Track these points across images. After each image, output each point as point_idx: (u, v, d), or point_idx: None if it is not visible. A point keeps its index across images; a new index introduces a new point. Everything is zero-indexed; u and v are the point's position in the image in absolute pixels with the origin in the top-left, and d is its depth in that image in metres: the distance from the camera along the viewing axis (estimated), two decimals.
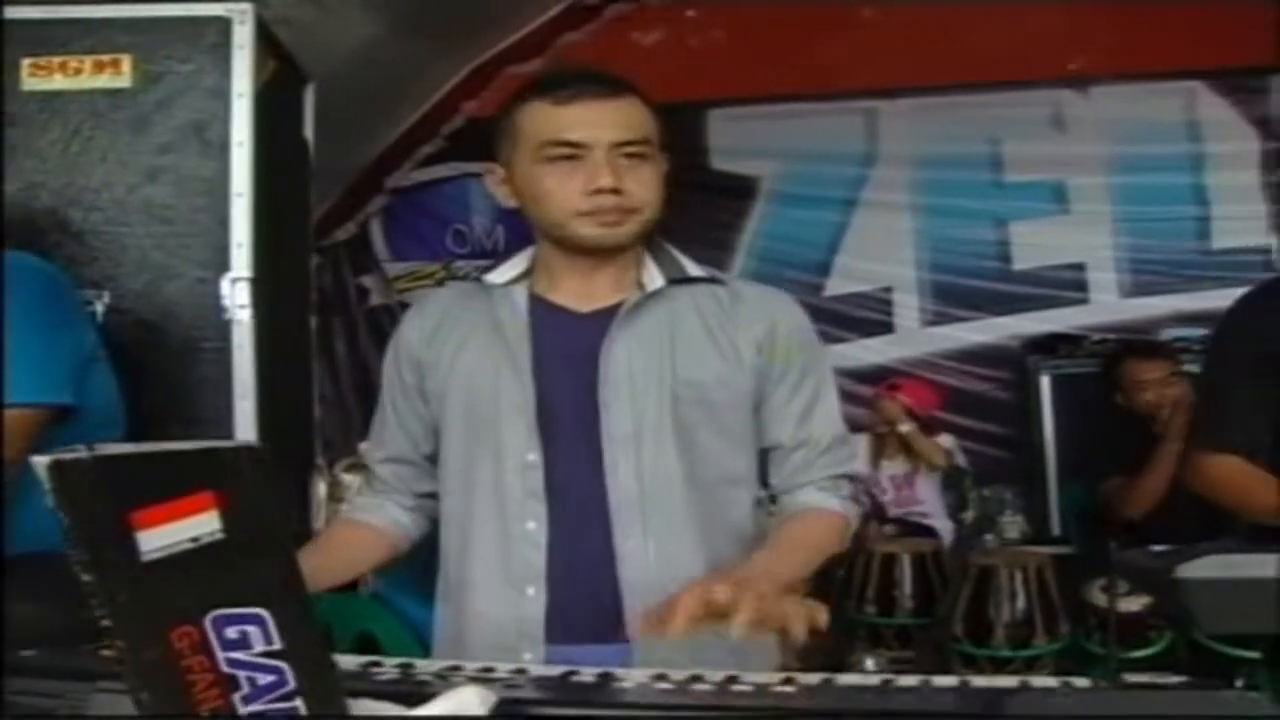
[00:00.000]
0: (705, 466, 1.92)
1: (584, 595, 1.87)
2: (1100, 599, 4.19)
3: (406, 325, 2.06)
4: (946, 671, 4.02)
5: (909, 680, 1.38)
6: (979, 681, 1.36)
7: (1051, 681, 1.37)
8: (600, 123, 1.82)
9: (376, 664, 1.48)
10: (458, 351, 1.97)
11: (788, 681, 1.38)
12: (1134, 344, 5.03)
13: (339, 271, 6.38)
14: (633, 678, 1.41)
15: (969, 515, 5.52)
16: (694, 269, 1.99)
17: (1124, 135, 5.98)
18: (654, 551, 1.86)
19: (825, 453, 1.98)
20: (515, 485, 1.89)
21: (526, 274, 1.98)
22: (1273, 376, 2.27)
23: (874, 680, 1.40)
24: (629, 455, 1.87)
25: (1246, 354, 2.33)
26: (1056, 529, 5.56)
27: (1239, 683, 4.14)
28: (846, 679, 1.42)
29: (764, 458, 2.01)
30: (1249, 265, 5.88)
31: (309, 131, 3.31)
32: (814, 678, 1.40)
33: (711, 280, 1.99)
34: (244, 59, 2.80)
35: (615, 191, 1.82)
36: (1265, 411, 2.29)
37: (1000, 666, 4.16)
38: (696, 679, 1.40)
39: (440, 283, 6.06)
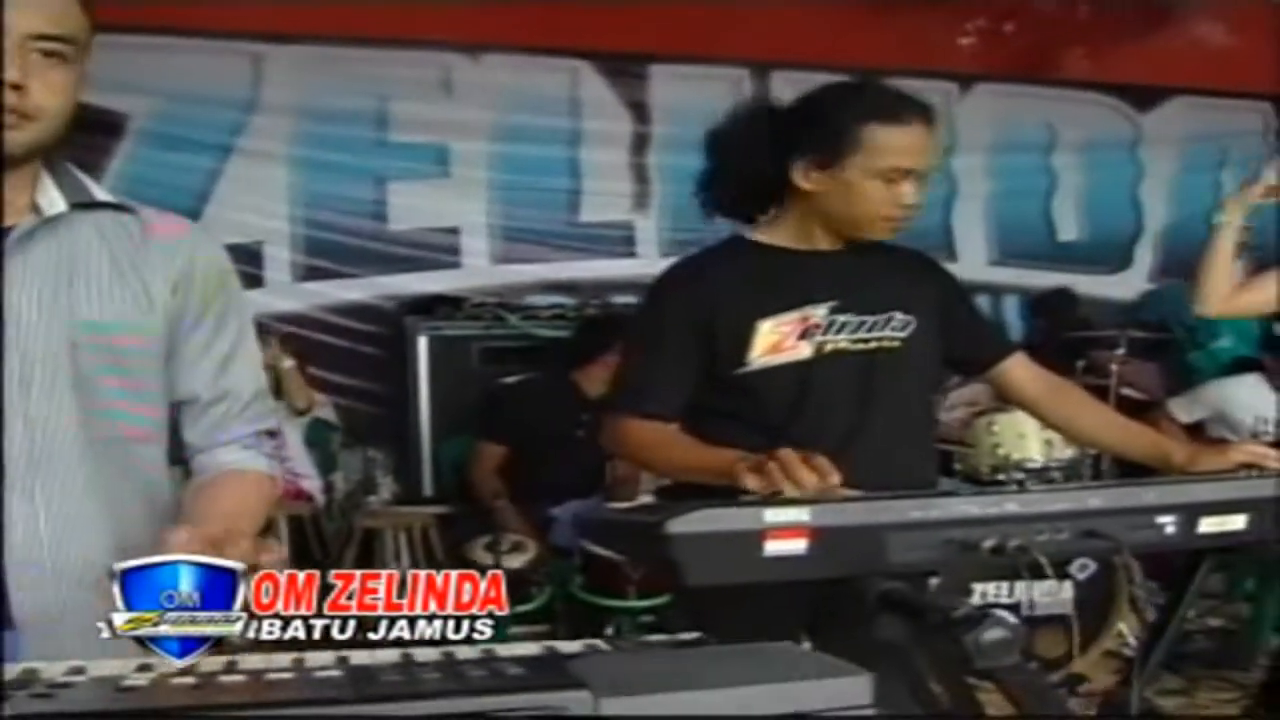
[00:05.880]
0: (109, 422, 1.69)
1: None
2: (485, 557, 4.29)
3: None
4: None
5: (430, 654, 1.29)
6: (516, 650, 1.30)
7: (576, 645, 1.34)
8: (17, 4, 1.55)
9: None
10: None
11: (299, 662, 1.25)
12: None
13: None
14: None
15: (339, 476, 5.46)
16: (101, 193, 1.74)
17: (509, 104, 6.20)
18: (46, 520, 1.62)
19: (247, 407, 1.82)
20: None
21: None
22: (696, 343, 2.37)
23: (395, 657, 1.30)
24: (15, 409, 1.61)
25: (671, 320, 2.40)
26: (429, 489, 5.63)
27: (609, 630, 4.36)
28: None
29: (177, 410, 1.81)
30: (612, 239, 6.37)
31: None
32: (326, 657, 1.28)
33: (121, 208, 1.75)
34: None
35: (16, 88, 1.55)
36: (685, 377, 2.38)
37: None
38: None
39: None
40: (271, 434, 1.88)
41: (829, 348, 2.34)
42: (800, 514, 1.54)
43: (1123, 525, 1.72)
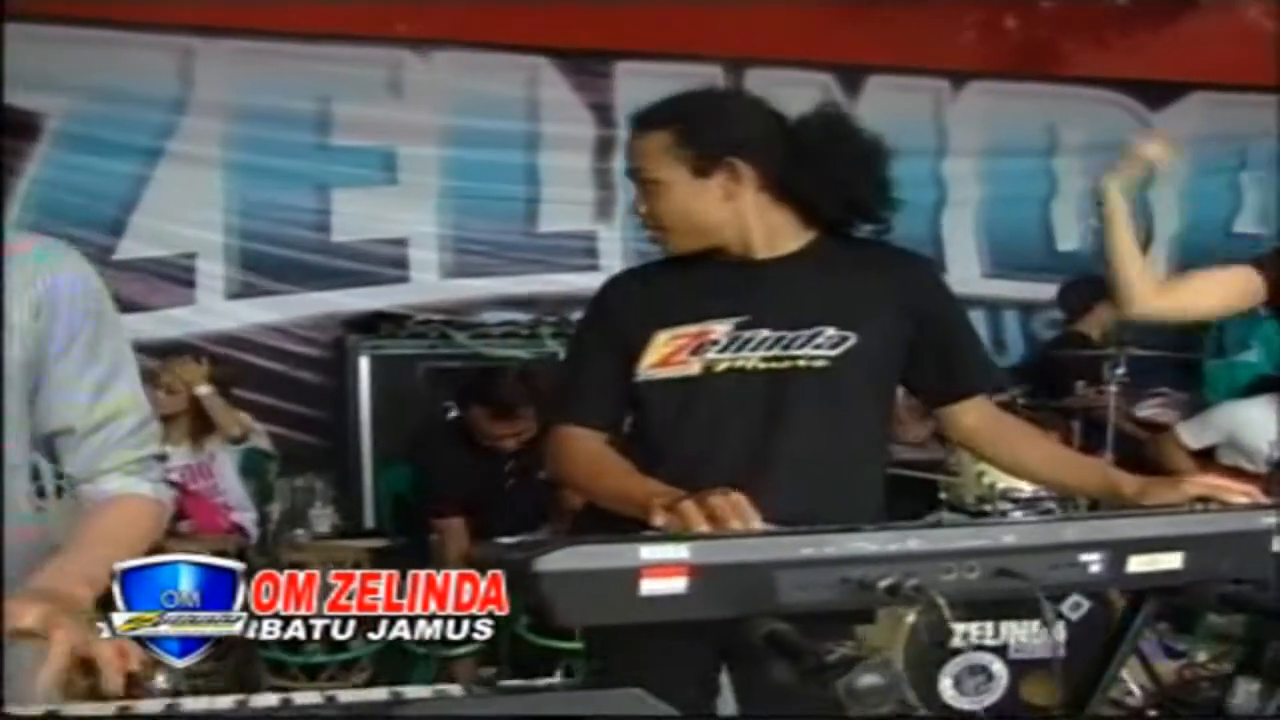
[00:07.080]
0: None
1: None
2: None
3: None
4: (255, 681, 4.00)
5: (267, 699, 1.36)
6: (359, 695, 1.36)
7: (425, 692, 1.40)
8: None
9: None
10: None
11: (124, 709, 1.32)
12: (485, 394, 4.88)
13: None
14: None
15: (275, 507, 5.48)
16: None
17: (462, 106, 6.23)
18: None
19: (130, 434, 1.89)
20: None
21: None
22: (611, 351, 2.43)
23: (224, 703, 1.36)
24: None
25: (601, 329, 2.49)
26: (371, 520, 5.66)
27: (558, 673, 4.41)
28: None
29: (53, 442, 1.87)
30: (573, 251, 6.39)
31: None
32: (155, 705, 1.34)
33: None
34: None
35: None
36: (610, 384, 2.44)
37: (314, 673, 4.19)
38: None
39: None
40: (160, 458, 1.94)
41: (722, 366, 2.34)
42: (679, 550, 1.55)
43: (1041, 564, 1.74)
